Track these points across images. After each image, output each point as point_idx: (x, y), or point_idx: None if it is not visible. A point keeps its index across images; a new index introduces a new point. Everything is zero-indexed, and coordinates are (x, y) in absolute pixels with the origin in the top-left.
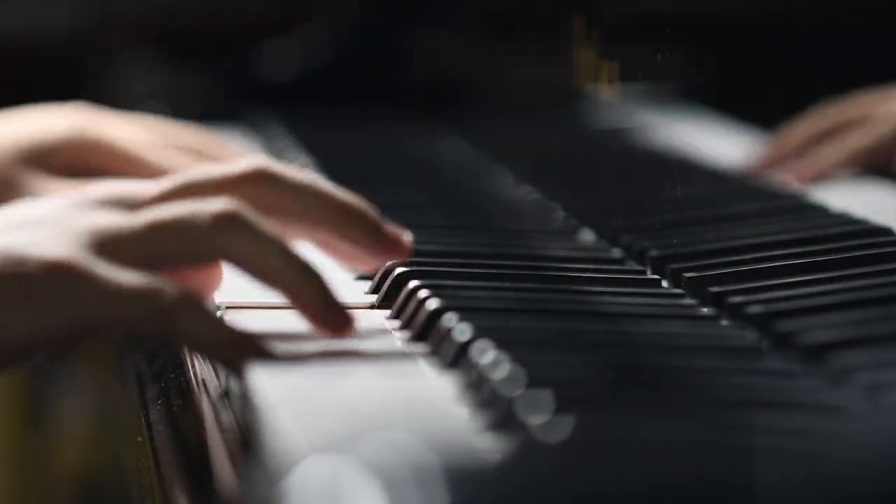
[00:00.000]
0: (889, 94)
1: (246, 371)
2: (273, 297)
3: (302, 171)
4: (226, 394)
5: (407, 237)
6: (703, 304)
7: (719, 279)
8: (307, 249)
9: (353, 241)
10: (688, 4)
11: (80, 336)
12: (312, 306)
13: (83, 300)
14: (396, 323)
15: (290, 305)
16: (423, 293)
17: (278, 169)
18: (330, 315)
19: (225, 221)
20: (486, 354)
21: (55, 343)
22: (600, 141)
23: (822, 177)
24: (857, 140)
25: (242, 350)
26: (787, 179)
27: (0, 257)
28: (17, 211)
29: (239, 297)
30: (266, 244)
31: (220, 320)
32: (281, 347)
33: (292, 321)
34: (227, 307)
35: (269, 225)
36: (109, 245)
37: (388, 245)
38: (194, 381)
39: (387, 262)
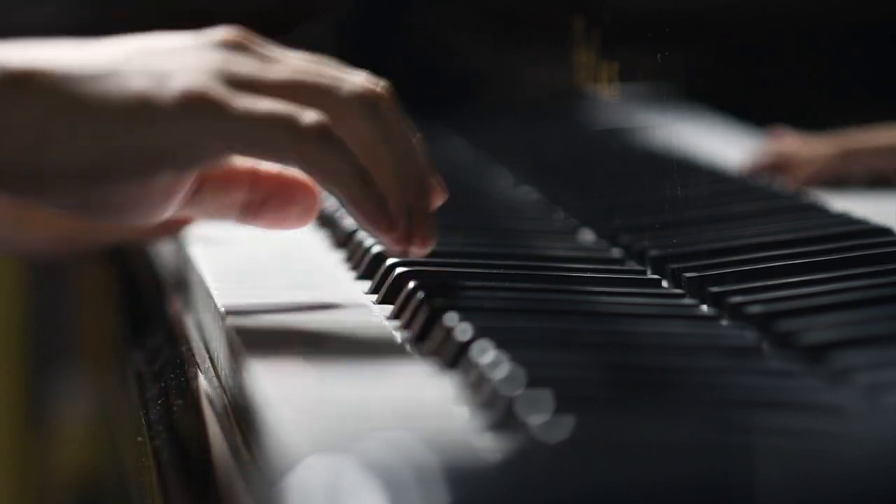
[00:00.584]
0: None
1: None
2: (273, 297)
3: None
4: (225, 394)
5: (431, 243)
6: (703, 304)
7: (719, 279)
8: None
9: (404, 204)
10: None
11: (221, 156)
12: (411, 215)
13: (224, 127)
14: (396, 323)
15: (289, 307)
16: (423, 293)
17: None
18: (419, 231)
19: (364, 101)
20: (486, 354)
21: (204, 164)
22: (600, 141)
23: None
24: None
25: (368, 186)
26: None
27: (144, 75)
28: (156, 40)
29: (238, 298)
30: (398, 137)
31: (354, 155)
32: (280, 347)
33: (292, 322)
34: (228, 312)
35: (405, 128)
36: (245, 84)
37: (422, 236)
38: (194, 382)
39: (409, 247)
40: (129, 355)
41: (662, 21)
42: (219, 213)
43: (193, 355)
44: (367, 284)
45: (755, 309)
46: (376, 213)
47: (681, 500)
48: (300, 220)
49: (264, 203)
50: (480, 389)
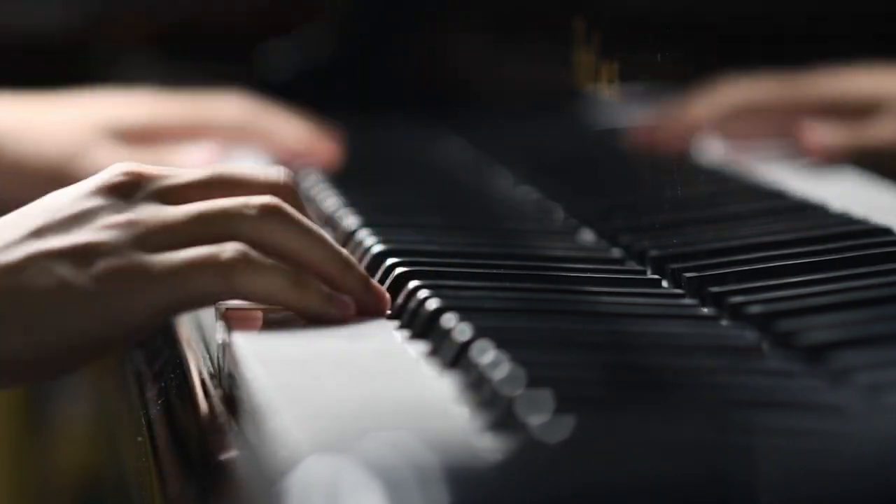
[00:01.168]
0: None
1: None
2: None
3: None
4: (226, 394)
5: (387, 298)
6: (703, 304)
7: (719, 279)
8: None
9: (343, 285)
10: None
11: (158, 322)
12: (354, 291)
13: (150, 292)
14: (396, 322)
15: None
16: (423, 293)
17: (299, 195)
18: (369, 297)
19: (271, 214)
20: (486, 354)
21: (137, 335)
22: (600, 141)
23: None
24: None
25: (305, 289)
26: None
27: (60, 262)
28: (57, 205)
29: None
30: (310, 236)
31: (281, 268)
32: (280, 348)
33: (292, 322)
34: (228, 312)
35: (307, 220)
36: (157, 237)
37: (375, 298)
38: (194, 381)
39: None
40: (129, 355)
41: (662, 21)
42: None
43: (193, 355)
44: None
45: (755, 309)
46: (324, 309)
47: (681, 500)
48: None
49: None
50: (480, 389)
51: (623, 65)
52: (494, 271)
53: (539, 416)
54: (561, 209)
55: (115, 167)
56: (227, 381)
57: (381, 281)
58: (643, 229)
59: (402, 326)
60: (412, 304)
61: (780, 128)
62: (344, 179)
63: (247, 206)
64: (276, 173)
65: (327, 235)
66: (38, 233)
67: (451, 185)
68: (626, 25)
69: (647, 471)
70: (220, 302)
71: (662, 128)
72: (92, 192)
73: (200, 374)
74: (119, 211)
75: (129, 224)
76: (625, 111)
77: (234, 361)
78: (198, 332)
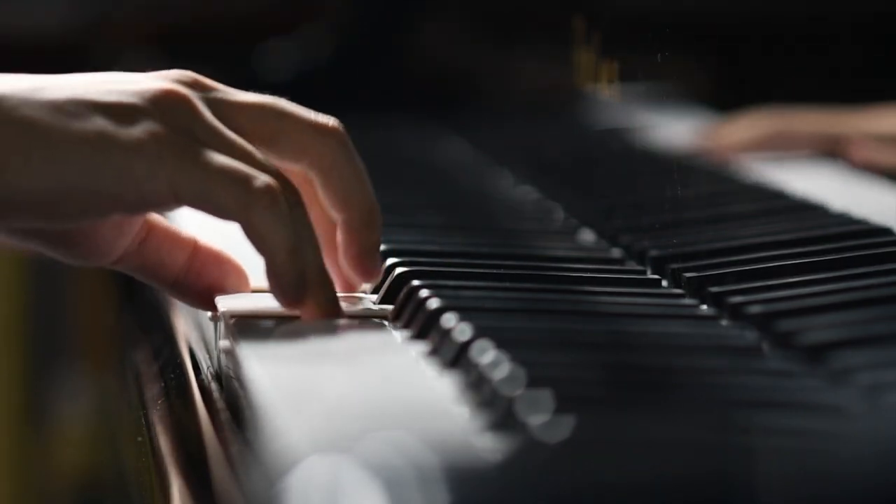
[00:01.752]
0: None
1: (242, 359)
2: (273, 298)
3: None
4: (225, 394)
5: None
6: (703, 304)
7: (719, 279)
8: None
9: (359, 244)
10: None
11: (171, 206)
12: (357, 258)
13: (177, 174)
14: (397, 323)
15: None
16: (423, 293)
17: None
18: (361, 269)
19: (273, 201)
20: (486, 354)
21: (147, 207)
22: (600, 141)
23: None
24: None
25: (293, 262)
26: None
27: (104, 111)
28: (118, 77)
29: (237, 298)
30: (306, 239)
31: (291, 227)
32: (281, 348)
33: (292, 323)
34: (228, 312)
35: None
36: (206, 136)
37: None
38: (194, 382)
39: (360, 277)
40: (129, 355)
41: (662, 21)
42: (156, 273)
43: (193, 355)
44: (367, 284)
45: (755, 309)
46: (288, 289)
47: (681, 500)
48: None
49: (199, 275)
50: (480, 389)
51: (623, 65)
52: (494, 271)
53: (539, 416)
54: (561, 209)
55: (171, 71)
56: (227, 381)
57: (381, 281)
58: (643, 229)
59: (402, 326)
60: (412, 304)
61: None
62: None
63: (257, 182)
64: (328, 118)
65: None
66: (90, 85)
67: (451, 185)
68: (626, 25)
69: (647, 471)
70: (230, 219)
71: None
72: (153, 77)
73: (200, 374)
74: (176, 86)
75: (182, 100)
76: (625, 111)
77: (235, 361)
78: (198, 332)
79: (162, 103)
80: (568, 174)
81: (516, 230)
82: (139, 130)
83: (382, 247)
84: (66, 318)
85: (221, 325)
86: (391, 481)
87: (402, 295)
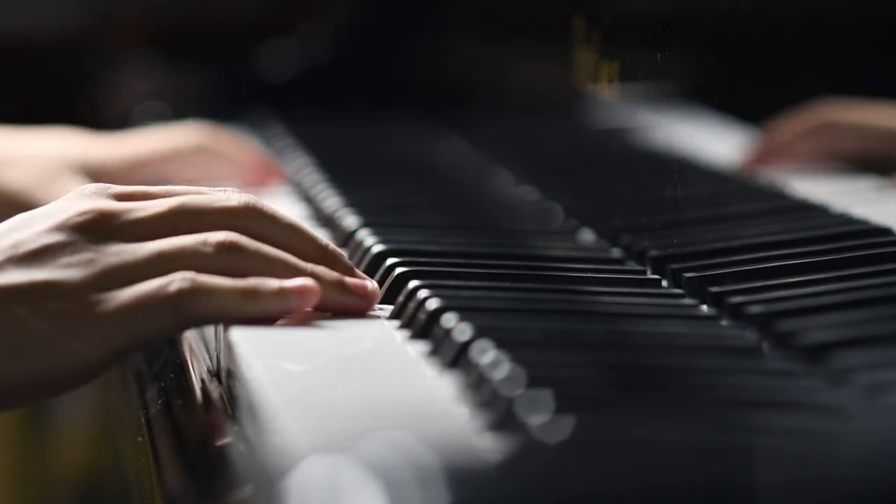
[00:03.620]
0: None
1: (239, 359)
2: None
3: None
4: (226, 394)
5: (373, 285)
6: (703, 304)
7: (719, 279)
8: None
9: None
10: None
11: (120, 358)
12: (332, 305)
13: (102, 332)
14: (396, 322)
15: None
16: (423, 293)
17: (268, 206)
18: (349, 297)
19: (229, 248)
20: (486, 354)
21: (95, 374)
22: (600, 141)
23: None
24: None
25: (260, 298)
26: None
27: (17, 300)
28: (19, 234)
29: None
30: (270, 262)
31: (227, 282)
32: (281, 348)
33: (292, 322)
34: None
35: (267, 247)
36: (116, 276)
37: (359, 288)
38: (194, 381)
39: (356, 306)
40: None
41: (662, 21)
42: None
43: (193, 355)
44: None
45: (755, 309)
46: (282, 307)
47: (681, 500)
48: None
49: None
50: (480, 389)
51: (623, 65)
52: (494, 271)
53: (539, 416)
54: (561, 209)
55: (82, 198)
56: (227, 381)
57: (381, 281)
58: (643, 229)
59: (402, 326)
60: (412, 304)
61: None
62: (344, 179)
63: (205, 244)
64: (239, 198)
65: (289, 258)
66: (1, 266)
67: (451, 185)
68: (626, 25)
69: (647, 470)
70: (178, 329)
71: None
72: (56, 227)
73: (200, 374)
74: (80, 249)
75: (89, 262)
76: (625, 111)
77: (234, 361)
78: (198, 331)
79: (70, 262)
80: (568, 174)
81: (516, 230)
82: (55, 308)
83: (382, 247)
84: None
85: (221, 325)
86: (391, 481)
87: (402, 295)
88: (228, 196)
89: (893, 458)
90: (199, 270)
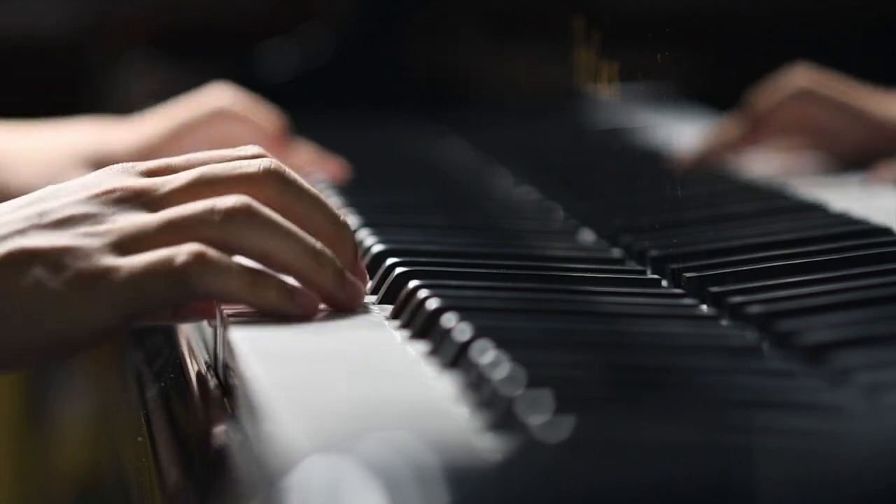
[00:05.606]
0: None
1: (239, 355)
2: None
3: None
4: (226, 394)
5: (361, 292)
6: (703, 304)
7: (719, 279)
8: None
9: (314, 283)
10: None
11: (129, 322)
12: (326, 289)
13: (111, 297)
14: (396, 322)
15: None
16: (423, 293)
17: (290, 173)
18: (343, 293)
19: (237, 215)
20: (486, 354)
21: (103, 338)
22: (600, 141)
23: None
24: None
25: (265, 290)
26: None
27: (38, 262)
28: (46, 204)
29: None
30: (278, 234)
31: (236, 266)
32: (281, 348)
33: (292, 322)
34: (228, 312)
35: (279, 217)
36: (130, 243)
37: (349, 293)
38: (194, 382)
39: (342, 302)
40: (129, 355)
41: (662, 21)
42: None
43: (193, 355)
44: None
45: (755, 309)
46: (283, 306)
47: (681, 500)
48: None
49: None
50: (480, 389)
51: (623, 65)
52: (494, 271)
53: (539, 416)
54: (561, 209)
55: (110, 176)
56: (227, 380)
57: (381, 281)
58: (643, 229)
59: (402, 326)
60: (412, 304)
61: (829, 139)
62: (344, 179)
63: (213, 211)
64: (259, 164)
65: (299, 234)
66: (25, 231)
67: (451, 185)
68: (626, 25)
69: (647, 470)
70: (182, 303)
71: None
72: (82, 200)
73: (200, 374)
74: (102, 221)
75: (107, 232)
76: (625, 111)
77: (234, 361)
78: (198, 331)
79: (90, 231)
80: (568, 174)
81: (516, 230)
82: (71, 273)
83: (382, 247)
84: None
85: (220, 326)
86: (391, 481)
87: (402, 295)
88: (249, 162)
89: (893, 458)
90: (207, 238)
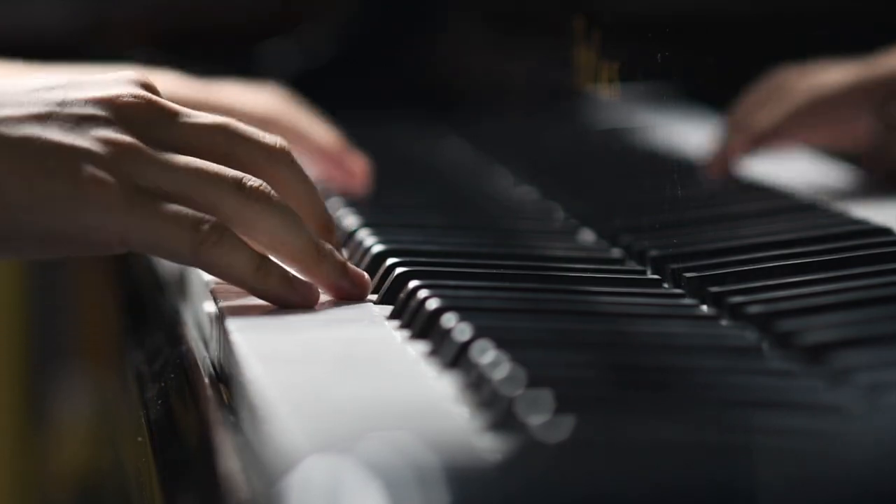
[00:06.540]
0: (809, 69)
1: (236, 354)
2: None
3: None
4: (226, 394)
5: (366, 284)
6: (703, 304)
7: (719, 279)
8: None
9: (316, 273)
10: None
11: (127, 249)
12: (330, 279)
13: (126, 222)
14: (396, 322)
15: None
16: (423, 293)
17: (297, 158)
18: (345, 284)
19: (261, 198)
20: (486, 354)
21: (97, 250)
22: (600, 141)
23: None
24: (759, 123)
25: (268, 277)
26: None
27: (54, 159)
28: (70, 92)
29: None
30: (288, 221)
31: (247, 248)
32: (281, 348)
33: (292, 322)
34: (228, 312)
35: (288, 205)
36: (152, 173)
37: (352, 284)
38: (194, 381)
39: (350, 292)
40: (129, 355)
41: (662, 21)
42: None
43: (193, 355)
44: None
45: (755, 309)
46: (284, 296)
47: (681, 500)
48: None
49: None
50: (480, 389)
51: (623, 65)
52: (494, 271)
53: (539, 416)
54: (561, 209)
55: (136, 84)
56: (227, 380)
57: (381, 281)
58: (643, 229)
59: (402, 326)
60: (412, 304)
61: (852, 126)
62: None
63: (241, 186)
64: (274, 139)
65: (304, 228)
66: (44, 118)
67: (451, 185)
68: (626, 25)
69: (647, 471)
70: (184, 263)
71: (723, 150)
72: (105, 100)
73: (200, 374)
74: (123, 131)
75: (130, 148)
76: (625, 111)
77: (234, 361)
78: (197, 331)
79: (112, 139)
80: (568, 174)
81: (516, 230)
82: (88, 175)
83: (382, 247)
84: (66, 318)
85: (220, 325)
86: (391, 481)
87: (402, 295)
88: (265, 135)
89: (893, 458)
90: (224, 206)
